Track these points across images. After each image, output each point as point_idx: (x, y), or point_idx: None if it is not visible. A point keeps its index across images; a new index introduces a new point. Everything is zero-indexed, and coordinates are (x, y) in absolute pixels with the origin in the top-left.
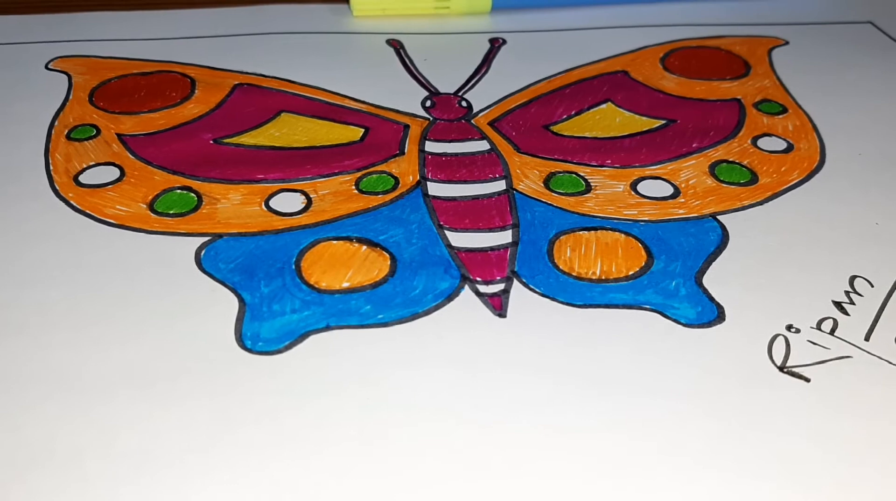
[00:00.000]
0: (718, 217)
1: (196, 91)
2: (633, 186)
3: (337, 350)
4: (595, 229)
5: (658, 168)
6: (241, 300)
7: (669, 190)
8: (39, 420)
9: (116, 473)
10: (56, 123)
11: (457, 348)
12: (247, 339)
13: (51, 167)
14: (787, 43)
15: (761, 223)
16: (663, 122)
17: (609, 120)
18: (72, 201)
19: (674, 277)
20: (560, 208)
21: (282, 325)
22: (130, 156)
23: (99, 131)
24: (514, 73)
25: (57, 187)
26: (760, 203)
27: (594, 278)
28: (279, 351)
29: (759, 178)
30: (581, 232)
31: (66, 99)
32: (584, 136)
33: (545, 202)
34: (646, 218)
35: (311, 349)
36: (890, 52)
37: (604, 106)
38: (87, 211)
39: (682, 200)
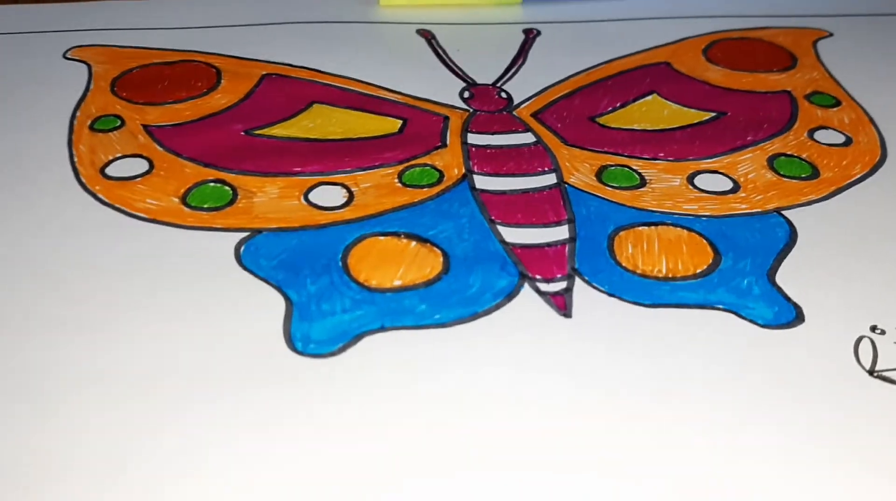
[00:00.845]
0: (784, 212)
1: (223, 81)
2: (690, 179)
3: (394, 353)
4: (655, 224)
5: (714, 162)
6: (288, 299)
7: (728, 184)
8: (75, 417)
9: (160, 475)
10: (78, 113)
11: (521, 350)
12: (297, 341)
13: (75, 159)
14: (831, 35)
15: (829, 219)
16: (713, 114)
17: (657, 112)
18: (99, 195)
19: (745, 275)
20: (616, 203)
21: (333, 325)
22: (159, 148)
23: (123, 122)
24: (552, 64)
25: (83, 180)
26: (826, 198)
27: (660, 275)
28: (333, 354)
29: (820, 172)
30: (641, 228)
31: (87, 89)
32: (633, 128)
33: (599, 196)
34: (707, 213)
35: (367, 351)
36: None
37: (649, 98)
38: (117, 205)
39: (743, 194)
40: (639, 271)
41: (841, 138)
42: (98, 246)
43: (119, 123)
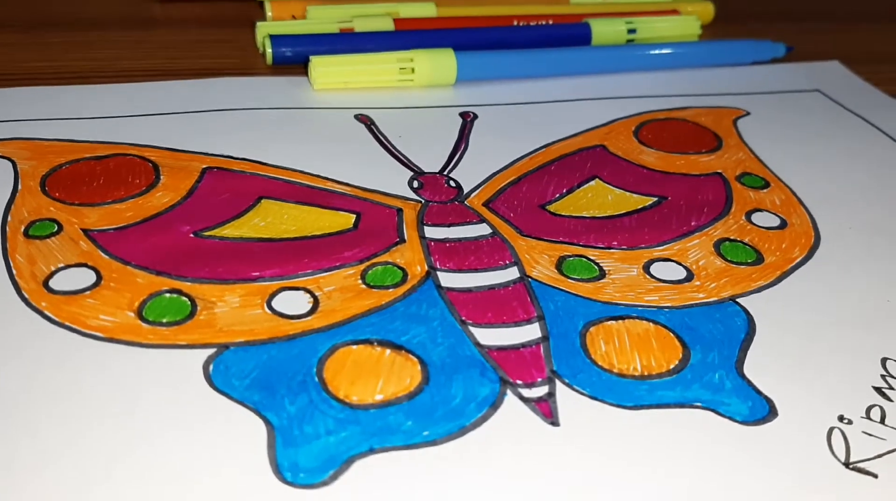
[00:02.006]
0: (738, 300)
1: (162, 177)
2: (646, 269)
3: (387, 477)
4: (622, 317)
5: (665, 249)
6: (268, 423)
7: (682, 272)
8: None
9: None
10: (9, 218)
11: (515, 464)
12: (285, 470)
13: (14, 271)
14: (748, 113)
15: (780, 305)
16: (655, 198)
17: (602, 198)
18: (46, 312)
19: (715, 369)
20: (580, 296)
21: (320, 450)
22: (104, 255)
23: (61, 227)
24: (492, 149)
25: (26, 295)
26: (773, 283)
27: (636, 374)
28: (324, 483)
29: (764, 257)
30: (609, 322)
31: (15, 189)
32: (583, 215)
33: (563, 290)
34: (668, 304)
35: (359, 476)
36: (843, 118)
37: (592, 183)
38: (68, 323)
39: (698, 282)
40: (615, 371)
41: (776, 221)
42: (51, 370)
43: (56, 228)
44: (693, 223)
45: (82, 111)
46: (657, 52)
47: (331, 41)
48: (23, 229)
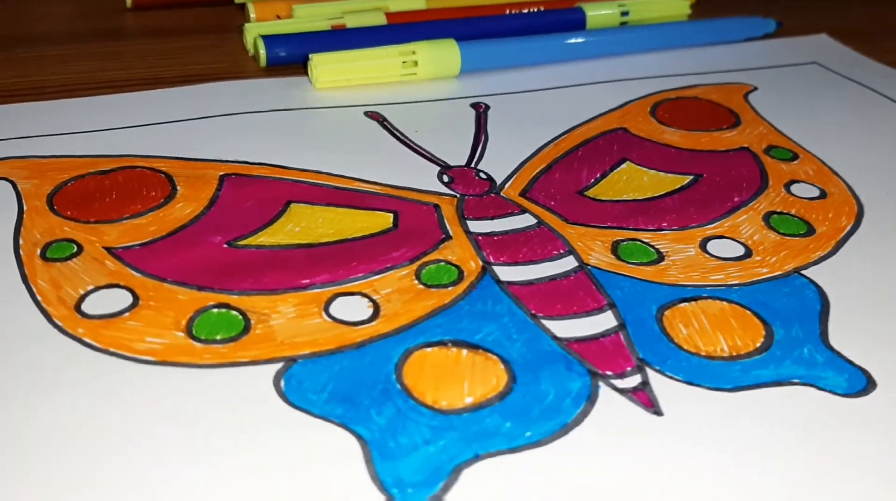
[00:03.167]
0: (803, 273)
1: (178, 187)
2: (703, 247)
3: (499, 482)
4: (693, 299)
5: (716, 227)
6: (359, 437)
7: (740, 249)
8: None
9: None
10: (21, 241)
11: (626, 457)
12: (390, 487)
13: (38, 298)
14: (755, 89)
15: (844, 274)
16: (691, 177)
17: (637, 180)
18: (85, 338)
19: (802, 343)
20: (644, 280)
21: (423, 462)
22: (135, 273)
23: (81, 247)
24: (513, 138)
25: (58, 322)
26: (831, 253)
27: (725, 355)
28: (436, 497)
29: (814, 227)
30: (682, 305)
31: (21, 210)
32: (624, 199)
33: (626, 275)
34: (736, 282)
35: (470, 485)
36: (848, 88)
37: (624, 166)
38: (112, 348)
39: (758, 258)
40: (703, 354)
41: (815, 191)
42: (102, 403)
43: (76, 248)
44: (736, 199)
45: (75, 125)
46: (656, 32)
47: (326, 39)
48: (39, 251)
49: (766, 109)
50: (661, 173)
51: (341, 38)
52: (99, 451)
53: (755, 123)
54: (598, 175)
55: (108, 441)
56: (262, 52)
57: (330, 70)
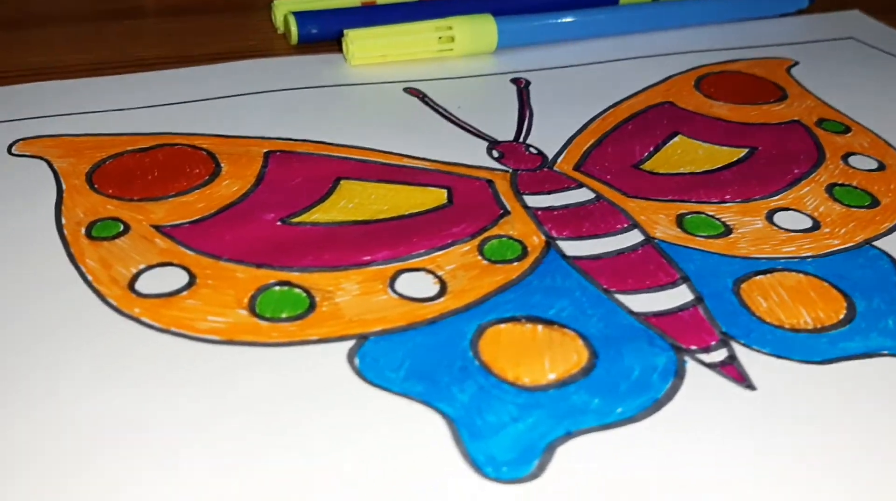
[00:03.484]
0: (874, 244)
1: (223, 165)
2: (770, 220)
3: (594, 460)
4: (767, 271)
5: (780, 199)
6: (443, 415)
7: (808, 221)
8: None
9: None
10: (63, 220)
11: (721, 431)
12: (484, 465)
13: (89, 277)
14: (797, 63)
15: None
16: (746, 150)
17: (692, 153)
18: (143, 318)
19: (885, 315)
20: (715, 253)
21: (514, 440)
22: (188, 251)
23: (127, 225)
24: (558, 113)
25: (113, 302)
26: None
27: (810, 327)
28: (533, 476)
29: (879, 199)
30: (757, 277)
31: (60, 189)
32: (681, 172)
33: (695, 249)
34: (809, 254)
35: (565, 463)
36: (886, 62)
37: (676, 139)
38: (173, 328)
39: (827, 230)
40: (787, 326)
41: (873, 163)
42: (171, 385)
43: (122, 227)
44: (796, 171)
45: (106, 103)
46: (691, 8)
47: (358, 15)
48: (83, 230)
49: (809, 83)
50: (716, 146)
51: (374, 15)
52: (177, 431)
53: (802, 97)
54: (651, 149)
55: (179, 420)
56: (294, 29)
57: (366, 46)
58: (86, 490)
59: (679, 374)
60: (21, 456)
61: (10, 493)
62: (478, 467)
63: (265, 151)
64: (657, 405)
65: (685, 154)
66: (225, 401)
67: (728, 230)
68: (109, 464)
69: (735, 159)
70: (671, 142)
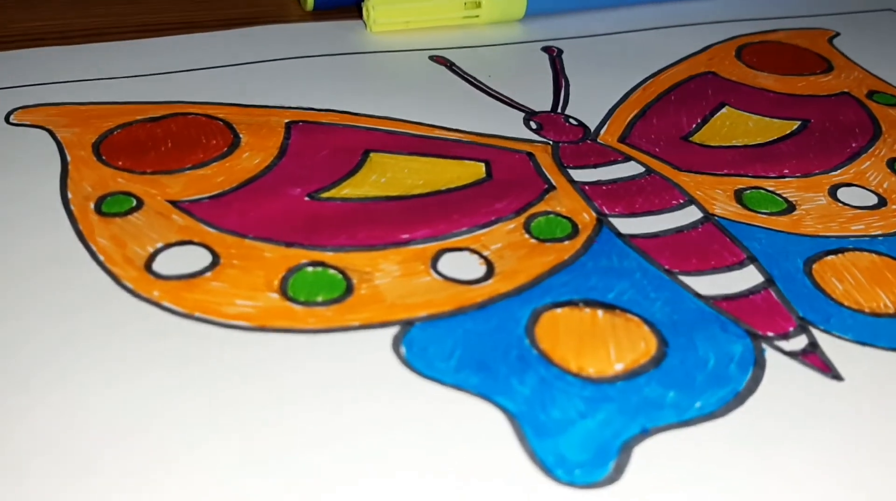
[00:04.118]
0: None
1: (242, 135)
2: (833, 195)
3: (681, 461)
4: (838, 251)
5: (841, 173)
6: (504, 410)
7: (873, 198)
8: None
9: None
10: (70, 194)
11: (815, 428)
12: (553, 468)
13: (100, 257)
14: (838, 34)
15: None
16: (799, 121)
17: (742, 125)
18: (164, 302)
19: None
20: (780, 231)
21: (584, 438)
22: (209, 229)
23: (141, 200)
24: (595, 83)
25: (128, 285)
26: None
27: (891, 312)
28: (610, 479)
29: None
30: (828, 258)
31: (65, 161)
32: (735, 145)
33: (759, 226)
34: (879, 232)
35: (645, 465)
36: None
37: (724, 110)
38: (198, 313)
39: (895, 207)
40: (867, 310)
41: None
42: (197, 372)
43: (135, 202)
44: (854, 145)
45: (112, 70)
46: None
47: None
48: (92, 206)
49: (853, 54)
50: (766, 118)
51: None
52: (208, 426)
53: (849, 68)
54: (698, 120)
55: (210, 414)
56: None
57: (388, 12)
58: (88, 493)
59: (759, 364)
60: (23, 456)
61: (13, 494)
62: (547, 469)
63: (286, 121)
64: (739, 399)
65: (735, 126)
66: (260, 393)
67: (791, 207)
68: (121, 465)
69: (788, 132)
70: (719, 113)
